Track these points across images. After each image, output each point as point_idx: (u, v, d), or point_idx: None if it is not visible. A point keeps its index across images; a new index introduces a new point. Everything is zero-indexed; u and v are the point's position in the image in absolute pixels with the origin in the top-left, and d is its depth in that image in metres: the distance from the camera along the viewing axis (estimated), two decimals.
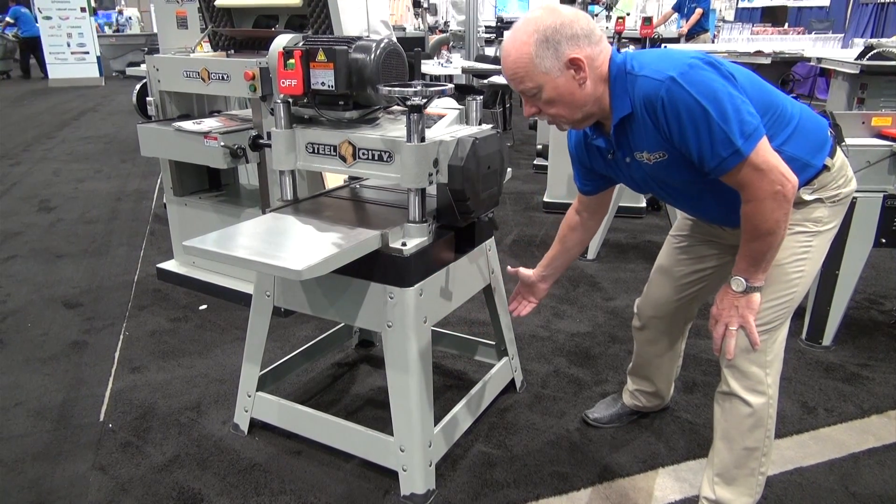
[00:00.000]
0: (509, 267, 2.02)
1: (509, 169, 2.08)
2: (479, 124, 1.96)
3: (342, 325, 2.58)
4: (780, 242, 1.48)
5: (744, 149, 1.36)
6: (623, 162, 1.61)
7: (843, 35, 7.90)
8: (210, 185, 3.39)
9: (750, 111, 1.39)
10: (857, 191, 2.44)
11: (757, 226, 1.44)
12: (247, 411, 2.16)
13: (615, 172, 1.71)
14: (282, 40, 2.44)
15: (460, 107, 2.02)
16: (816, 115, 1.62)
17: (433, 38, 8.23)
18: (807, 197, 1.57)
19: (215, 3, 3.11)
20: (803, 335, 2.76)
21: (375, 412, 2.31)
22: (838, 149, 1.62)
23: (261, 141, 2.78)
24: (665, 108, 1.39)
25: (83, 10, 11.40)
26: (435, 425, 1.93)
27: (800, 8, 11.41)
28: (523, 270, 1.98)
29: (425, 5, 8.63)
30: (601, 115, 1.54)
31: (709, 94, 1.35)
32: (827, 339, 2.71)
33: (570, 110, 1.50)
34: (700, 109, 1.35)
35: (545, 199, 4.63)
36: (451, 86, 1.80)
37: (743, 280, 1.53)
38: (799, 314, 2.75)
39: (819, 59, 5.72)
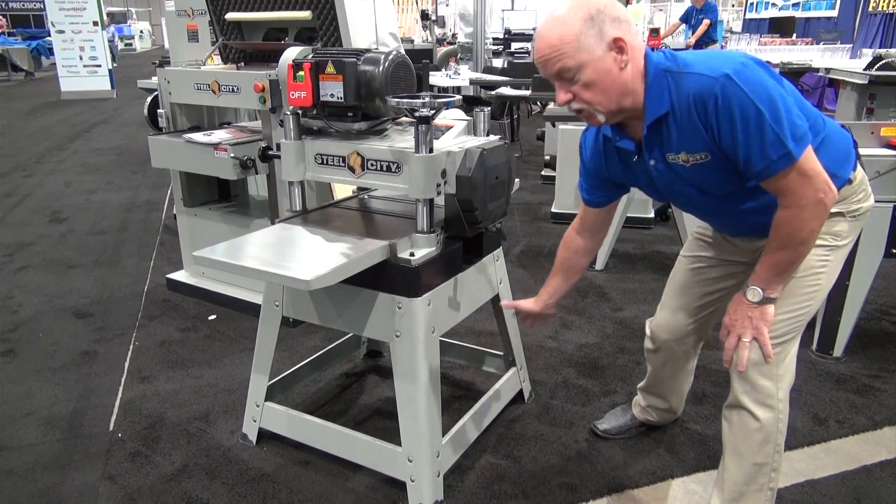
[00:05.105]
0: (504, 301, 1.97)
1: (517, 180, 2.09)
2: (487, 135, 1.97)
3: (350, 335, 2.58)
4: (807, 254, 1.46)
5: (795, 151, 1.33)
6: (647, 165, 1.56)
7: (851, 46, 7.90)
8: (220, 196, 3.42)
9: (798, 114, 1.37)
10: None
11: (791, 234, 1.41)
12: (255, 421, 2.16)
13: (634, 178, 1.66)
14: (291, 53, 2.47)
15: (468, 118, 2.03)
16: (841, 127, 1.60)
17: (441, 50, 8.29)
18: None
19: (226, 16, 3.15)
20: (814, 346, 2.74)
21: (383, 422, 2.31)
22: (859, 163, 1.59)
23: (270, 152, 2.82)
24: (718, 106, 1.35)
25: (95, 24, 11.55)
26: (443, 436, 1.93)
27: (808, 19, 11.43)
28: (523, 304, 1.91)
29: (433, 18, 8.71)
30: (633, 112, 1.49)
31: (762, 94, 1.32)
32: (838, 351, 2.69)
33: (607, 97, 1.44)
34: (754, 109, 1.32)
35: (553, 209, 4.63)
36: (458, 97, 1.81)
37: (760, 290, 1.50)
38: (809, 325, 2.72)
39: (828, 70, 5.73)
